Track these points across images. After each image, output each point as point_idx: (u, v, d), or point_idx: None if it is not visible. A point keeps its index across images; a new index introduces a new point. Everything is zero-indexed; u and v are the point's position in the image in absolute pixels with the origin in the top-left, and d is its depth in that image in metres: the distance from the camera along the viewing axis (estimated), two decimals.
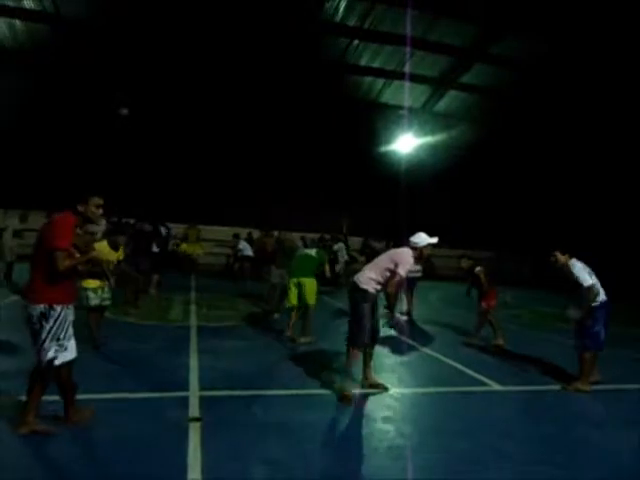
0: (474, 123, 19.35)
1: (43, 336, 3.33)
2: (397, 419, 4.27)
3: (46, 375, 3.40)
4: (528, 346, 7.32)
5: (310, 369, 5.41)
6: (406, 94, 16.81)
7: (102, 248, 5.67)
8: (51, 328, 3.34)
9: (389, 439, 3.82)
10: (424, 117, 18.75)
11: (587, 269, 5.14)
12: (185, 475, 3.00)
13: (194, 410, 4.01)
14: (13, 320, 6.88)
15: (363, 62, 16.71)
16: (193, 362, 5.43)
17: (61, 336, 3.39)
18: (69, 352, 3.43)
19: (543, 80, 16.43)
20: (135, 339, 6.44)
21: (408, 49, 15.08)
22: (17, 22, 14.44)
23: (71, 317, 3.51)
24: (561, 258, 5.20)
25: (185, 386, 4.61)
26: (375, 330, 4.85)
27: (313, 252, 7.21)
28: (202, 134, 16.83)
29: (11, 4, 13.69)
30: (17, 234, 10.47)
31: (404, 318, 8.66)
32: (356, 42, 15.73)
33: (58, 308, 3.37)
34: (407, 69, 16.01)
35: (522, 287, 16.16)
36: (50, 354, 3.33)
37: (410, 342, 7.22)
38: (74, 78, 15.39)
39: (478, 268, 7.23)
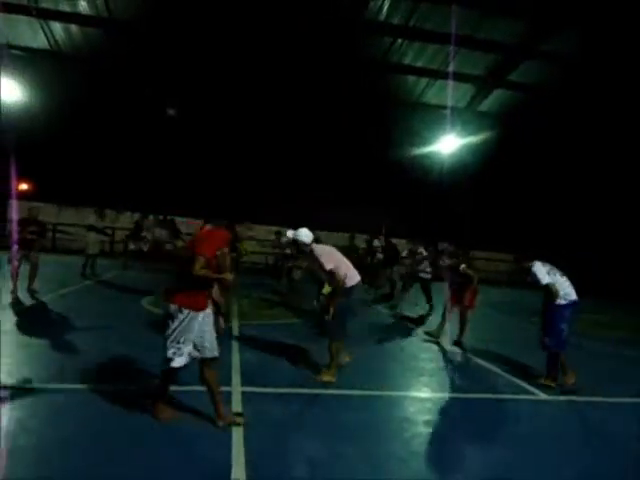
0: (520, 122, 18.78)
1: (166, 335, 3.53)
2: (438, 423, 4.21)
3: (166, 371, 3.60)
4: (577, 356, 7.03)
5: (352, 369, 5.40)
6: (450, 93, 16.47)
7: None
8: (174, 329, 3.49)
9: (429, 443, 3.78)
10: (468, 117, 18.36)
11: (546, 269, 5.23)
12: (229, 472, 3.05)
13: (236, 405, 4.08)
14: (77, 306, 7.27)
15: (407, 61, 16.53)
16: (235, 358, 5.52)
17: (181, 340, 3.52)
18: (183, 358, 3.54)
19: (590, 77, 15.77)
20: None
21: (454, 48, 14.78)
22: (73, 27, 15.17)
23: (206, 327, 3.62)
24: (521, 263, 5.37)
25: (227, 381, 4.70)
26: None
27: None
28: (245, 133, 17.15)
29: (67, 10, 14.38)
30: (96, 230, 11.14)
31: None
32: (400, 41, 15.58)
33: (185, 312, 3.51)
34: (451, 68, 15.70)
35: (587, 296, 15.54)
36: (169, 353, 3.52)
37: (452, 347, 7.08)
38: (125, 78, 16.04)
39: (463, 265, 7.16)
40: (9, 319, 6.19)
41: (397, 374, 5.68)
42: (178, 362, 3.53)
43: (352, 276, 5.06)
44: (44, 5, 14.10)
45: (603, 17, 13.31)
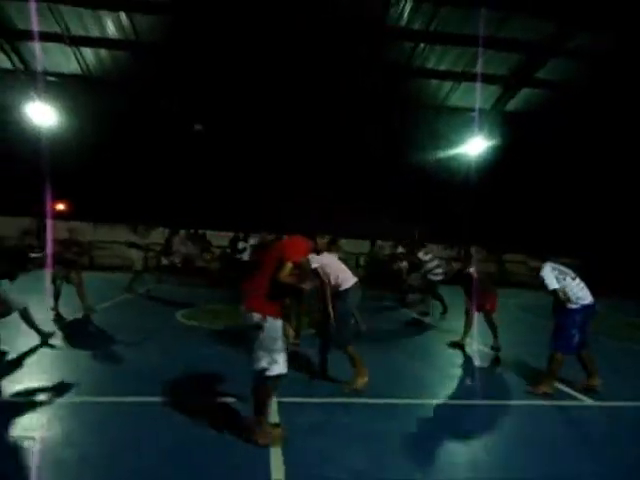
0: (548, 120, 18.37)
1: (256, 345, 3.47)
2: (480, 432, 4.09)
3: (264, 384, 3.51)
4: (623, 360, 6.77)
5: (385, 377, 5.34)
6: (476, 95, 16.26)
7: None
8: (264, 338, 3.44)
9: (472, 453, 3.68)
10: (494, 118, 18.08)
11: (556, 272, 5.00)
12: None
13: (273, 415, 4.07)
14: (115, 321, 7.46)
15: (430, 65, 16.43)
16: None
17: (272, 348, 3.46)
18: (280, 366, 3.48)
19: (621, 72, 15.30)
20: (211, 343, 6.63)
21: (481, 49, 14.57)
22: (102, 51, 15.73)
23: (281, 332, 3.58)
24: (531, 264, 5.16)
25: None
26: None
27: None
28: (272, 144, 17.40)
29: (97, 35, 14.93)
30: (137, 247, 11.38)
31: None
32: (422, 45, 15.51)
33: (271, 320, 3.47)
34: (478, 69, 15.48)
35: (614, 296, 14.98)
36: (263, 364, 3.45)
37: (491, 351, 6.91)
38: (153, 98, 16.53)
39: (472, 269, 6.98)
40: (55, 335, 6.36)
41: (432, 381, 5.56)
42: (276, 370, 3.45)
43: (346, 279, 5.03)
44: (75, 32, 14.67)
45: (636, 12, 12.90)
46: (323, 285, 4.93)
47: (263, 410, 3.56)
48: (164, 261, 13.76)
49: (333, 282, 4.97)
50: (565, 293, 4.93)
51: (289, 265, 3.41)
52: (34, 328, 5.97)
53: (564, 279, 5.01)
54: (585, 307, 4.99)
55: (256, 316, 3.44)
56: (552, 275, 4.98)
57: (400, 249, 13.07)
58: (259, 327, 3.43)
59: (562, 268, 5.13)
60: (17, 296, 5.81)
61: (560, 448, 3.84)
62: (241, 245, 13.04)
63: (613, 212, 17.74)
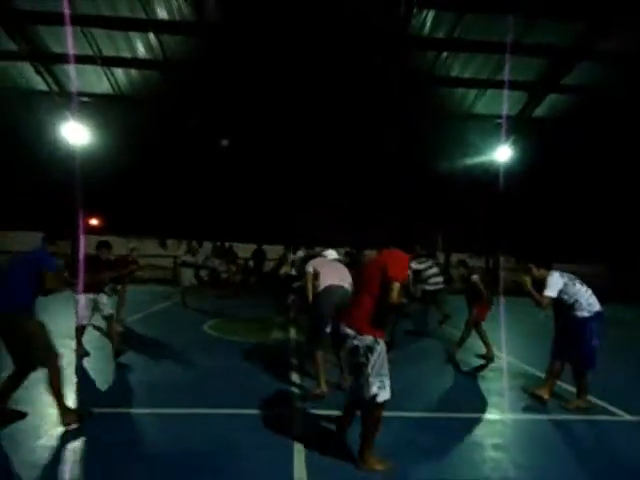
0: (576, 126, 17.94)
1: (368, 370, 3.28)
2: (509, 447, 3.96)
3: (372, 412, 3.36)
4: None
5: (406, 388, 5.25)
6: (504, 102, 16.00)
7: None
8: (375, 362, 3.29)
9: (502, 469, 3.56)
10: (522, 124, 17.77)
11: (564, 279, 4.82)
12: None
13: (298, 430, 4.05)
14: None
15: (454, 73, 16.31)
16: (296, 379, 5.53)
17: (382, 372, 3.33)
18: (387, 391, 3.35)
19: None
20: (235, 355, 6.66)
21: (508, 55, 14.36)
22: (133, 71, 16.28)
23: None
24: (535, 272, 4.90)
25: (289, 404, 4.71)
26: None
27: None
28: (298, 155, 17.60)
29: (128, 56, 15.46)
30: (187, 265, 11.79)
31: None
32: (445, 54, 15.43)
33: (381, 342, 3.36)
34: (505, 76, 15.25)
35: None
36: (374, 390, 3.27)
37: (520, 363, 6.72)
38: (181, 115, 16.99)
39: (475, 276, 6.82)
40: (92, 345, 6.51)
41: (458, 394, 5.44)
42: (383, 396, 3.30)
43: (325, 282, 5.13)
44: (107, 53, 15.23)
45: None
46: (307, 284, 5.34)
47: (371, 439, 3.38)
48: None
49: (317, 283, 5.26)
50: (546, 304, 4.79)
51: (397, 285, 3.25)
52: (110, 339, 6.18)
53: (574, 285, 4.84)
54: (597, 314, 4.81)
55: (368, 339, 3.29)
56: (560, 282, 4.79)
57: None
58: (371, 350, 3.27)
59: (571, 275, 4.97)
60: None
61: (594, 464, 3.68)
62: (291, 257, 13.16)
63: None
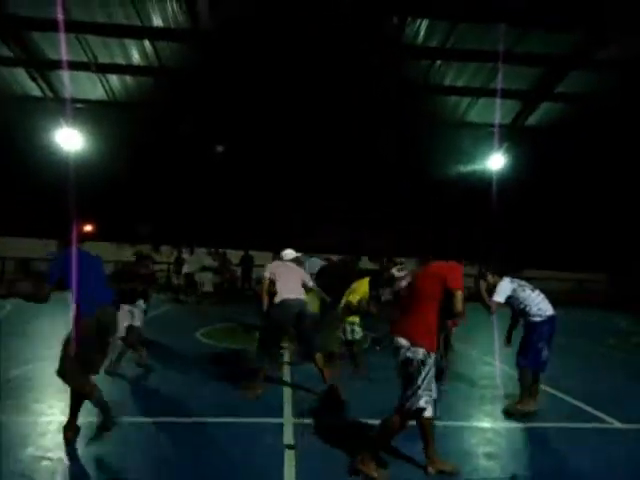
0: (570, 135, 18.11)
1: (418, 383, 3.26)
2: (501, 456, 3.95)
3: (421, 421, 3.39)
4: None
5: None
6: (497, 110, 16.12)
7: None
8: (426, 376, 3.27)
9: (493, 478, 3.55)
10: (515, 132, 17.91)
11: (514, 285, 4.95)
12: None
13: (288, 437, 4.03)
14: None
15: (447, 81, 16.44)
16: (287, 389, 5.50)
17: (431, 387, 3.32)
18: (431, 408, 3.36)
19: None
20: (228, 362, 6.66)
21: (501, 64, 14.49)
22: (127, 77, 16.29)
23: None
24: (490, 279, 5.05)
25: (280, 413, 4.68)
26: None
27: None
28: (291, 161, 17.65)
29: (122, 62, 15.48)
30: (208, 269, 11.86)
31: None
32: (438, 62, 15.56)
33: (432, 356, 3.32)
34: (498, 85, 15.37)
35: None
36: (421, 403, 3.27)
37: (512, 370, 6.71)
38: (175, 121, 16.99)
39: None
40: None
41: (449, 402, 5.42)
42: (429, 412, 3.31)
43: (282, 294, 5.19)
44: (102, 60, 15.24)
45: None
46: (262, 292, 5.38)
47: (383, 444, 3.44)
48: (175, 281, 14.01)
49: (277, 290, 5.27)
50: (492, 306, 4.92)
51: (461, 294, 3.28)
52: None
53: (523, 291, 4.96)
54: (550, 318, 4.89)
55: (421, 351, 3.26)
56: (509, 288, 4.94)
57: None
58: (423, 363, 3.25)
59: (522, 282, 5.08)
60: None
61: (585, 472, 3.68)
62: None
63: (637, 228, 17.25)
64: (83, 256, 3.74)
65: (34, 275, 3.84)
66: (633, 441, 4.43)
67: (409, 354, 3.28)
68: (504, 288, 4.94)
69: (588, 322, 14.05)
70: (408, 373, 3.29)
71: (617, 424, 4.74)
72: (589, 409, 5.11)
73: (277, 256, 6.17)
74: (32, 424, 4.13)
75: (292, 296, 5.19)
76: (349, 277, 8.15)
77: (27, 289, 3.65)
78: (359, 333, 6.11)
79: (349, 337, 6.10)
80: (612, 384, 6.32)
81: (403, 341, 3.33)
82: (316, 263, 10.57)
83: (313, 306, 7.72)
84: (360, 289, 6.20)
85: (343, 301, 6.26)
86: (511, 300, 4.97)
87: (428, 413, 3.30)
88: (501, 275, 5.05)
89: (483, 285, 5.04)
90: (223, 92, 15.99)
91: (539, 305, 4.90)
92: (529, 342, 4.89)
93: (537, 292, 5.00)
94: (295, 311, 5.17)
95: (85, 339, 3.60)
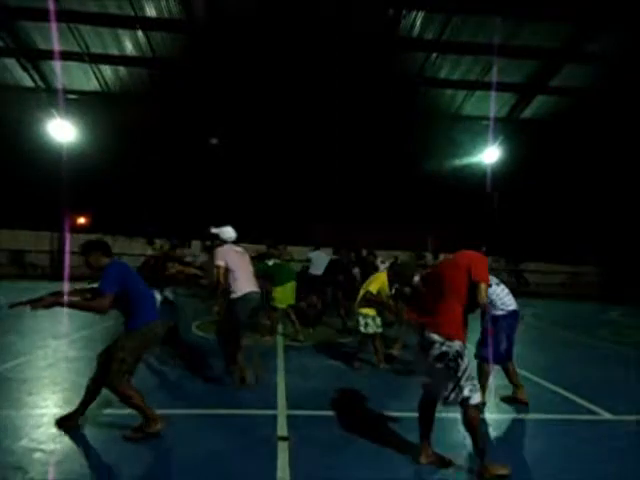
0: (564, 127, 18.15)
1: (459, 374, 3.29)
2: (491, 446, 3.98)
3: (470, 413, 3.34)
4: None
5: (389, 389, 5.27)
6: (492, 103, 16.14)
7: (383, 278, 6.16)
8: (467, 367, 3.31)
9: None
10: (510, 126, 17.92)
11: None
12: None
13: (282, 429, 4.06)
14: None
15: (443, 74, 16.40)
16: (280, 381, 5.52)
17: (473, 375, 3.40)
18: (479, 393, 3.38)
19: (636, 77, 15.06)
20: (221, 356, 6.63)
21: (496, 58, 14.48)
22: (121, 68, 16.14)
23: None
24: None
25: (273, 404, 4.70)
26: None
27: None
28: (285, 155, 17.58)
29: (116, 53, 15.32)
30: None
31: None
32: (434, 55, 15.51)
33: (466, 347, 3.38)
34: (493, 78, 15.38)
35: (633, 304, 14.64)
36: (466, 393, 3.29)
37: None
38: (169, 113, 16.86)
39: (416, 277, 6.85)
40: (77, 346, 6.45)
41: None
42: (476, 399, 3.31)
43: (240, 288, 5.01)
44: (95, 50, 15.08)
45: None
46: (219, 285, 4.97)
47: (479, 443, 3.36)
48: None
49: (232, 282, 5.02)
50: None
51: (484, 286, 3.34)
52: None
53: (489, 286, 4.90)
54: (511, 313, 4.92)
55: (457, 344, 3.28)
56: None
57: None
58: (461, 355, 3.27)
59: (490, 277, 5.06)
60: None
61: (575, 464, 3.73)
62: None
63: (631, 220, 17.35)
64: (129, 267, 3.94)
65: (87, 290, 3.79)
66: (622, 432, 4.48)
67: (444, 348, 3.28)
68: None
69: (580, 314, 14.18)
70: (447, 367, 3.28)
71: (607, 415, 4.80)
72: (579, 400, 5.17)
73: (212, 236, 5.37)
74: (25, 417, 4.14)
75: (254, 289, 5.10)
76: (367, 271, 8.29)
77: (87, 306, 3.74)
78: (372, 327, 6.07)
79: (362, 330, 6.11)
80: (603, 375, 6.38)
81: (436, 336, 3.32)
82: (323, 257, 10.44)
83: (287, 299, 7.92)
84: (379, 279, 6.16)
85: (361, 292, 6.21)
86: None
87: (474, 400, 3.29)
88: None
89: None
90: (217, 83, 15.89)
91: (503, 299, 4.94)
92: (489, 334, 4.90)
93: (502, 287, 5.03)
94: (254, 305, 5.07)
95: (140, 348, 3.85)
